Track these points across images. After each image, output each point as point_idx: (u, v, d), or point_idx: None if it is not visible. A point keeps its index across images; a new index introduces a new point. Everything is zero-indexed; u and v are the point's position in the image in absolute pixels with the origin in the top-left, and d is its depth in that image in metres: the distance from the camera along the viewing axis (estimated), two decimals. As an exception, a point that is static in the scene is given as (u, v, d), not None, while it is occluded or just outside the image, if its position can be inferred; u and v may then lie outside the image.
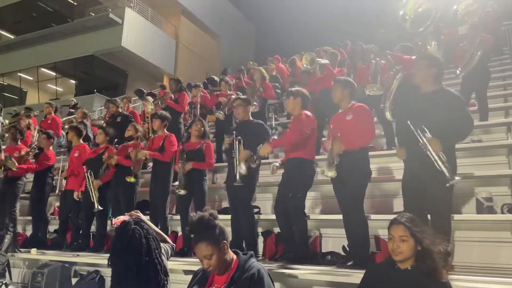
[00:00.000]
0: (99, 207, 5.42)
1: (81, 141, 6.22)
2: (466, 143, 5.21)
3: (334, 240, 4.31)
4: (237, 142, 4.32)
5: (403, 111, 3.46)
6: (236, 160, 4.26)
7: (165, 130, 5.46)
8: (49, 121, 8.87)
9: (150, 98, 8.22)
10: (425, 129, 3.06)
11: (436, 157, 2.99)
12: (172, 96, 7.37)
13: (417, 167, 3.20)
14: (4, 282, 4.70)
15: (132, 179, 5.25)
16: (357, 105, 3.93)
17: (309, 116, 4.15)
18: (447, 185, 2.97)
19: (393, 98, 4.30)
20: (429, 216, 3.16)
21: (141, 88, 10.33)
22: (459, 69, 5.84)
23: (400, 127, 3.48)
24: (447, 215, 3.18)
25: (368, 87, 5.62)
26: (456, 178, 2.96)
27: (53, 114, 9.06)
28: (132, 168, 5.32)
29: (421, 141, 3.05)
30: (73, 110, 12.62)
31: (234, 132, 4.43)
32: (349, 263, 3.59)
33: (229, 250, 2.47)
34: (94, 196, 5.46)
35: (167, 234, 4.85)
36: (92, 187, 5.48)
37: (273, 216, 4.28)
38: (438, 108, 3.16)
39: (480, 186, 4.24)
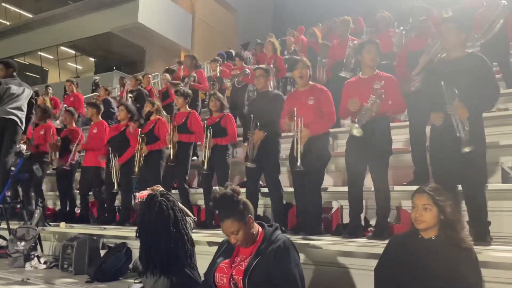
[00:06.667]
0: (117, 188, 5.65)
1: (100, 117, 6.30)
2: (491, 112, 5.07)
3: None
4: (253, 124, 4.34)
5: (436, 76, 3.21)
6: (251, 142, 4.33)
7: (187, 107, 5.49)
8: (71, 99, 8.93)
9: (168, 76, 8.23)
10: (456, 92, 2.92)
11: (459, 124, 2.91)
12: (195, 77, 7.38)
13: (447, 135, 3.03)
14: (36, 254, 4.89)
15: None
16: (388, 76, 3.72)
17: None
18: (463, 151, 2.87)
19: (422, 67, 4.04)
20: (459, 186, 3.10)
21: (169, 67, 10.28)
22: (476, 35, 5.40)
23: (432, 93, 3.21)
24: (482, 184, 3.09)
25: None
26: (470, 147, 2.86)
27: (75, 91, 9.16)
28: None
29: (449, 106, 2.95)
30: (94, 88, 12.75)
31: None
32: (369, 234, 3.61)
33: (254, 223, 2.50)
34: (114, 177, 5.64)
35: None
36: (114, 168, 5.64)
37: (292, 189, 4.31)
38: (468, 75, 3.00)
39: (506, 155, 4.14)
